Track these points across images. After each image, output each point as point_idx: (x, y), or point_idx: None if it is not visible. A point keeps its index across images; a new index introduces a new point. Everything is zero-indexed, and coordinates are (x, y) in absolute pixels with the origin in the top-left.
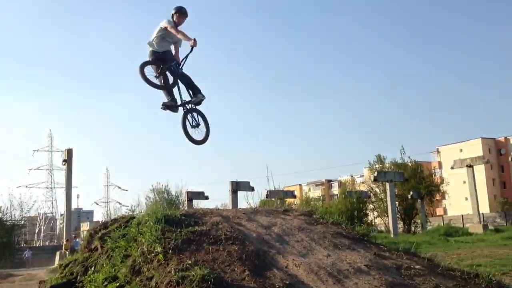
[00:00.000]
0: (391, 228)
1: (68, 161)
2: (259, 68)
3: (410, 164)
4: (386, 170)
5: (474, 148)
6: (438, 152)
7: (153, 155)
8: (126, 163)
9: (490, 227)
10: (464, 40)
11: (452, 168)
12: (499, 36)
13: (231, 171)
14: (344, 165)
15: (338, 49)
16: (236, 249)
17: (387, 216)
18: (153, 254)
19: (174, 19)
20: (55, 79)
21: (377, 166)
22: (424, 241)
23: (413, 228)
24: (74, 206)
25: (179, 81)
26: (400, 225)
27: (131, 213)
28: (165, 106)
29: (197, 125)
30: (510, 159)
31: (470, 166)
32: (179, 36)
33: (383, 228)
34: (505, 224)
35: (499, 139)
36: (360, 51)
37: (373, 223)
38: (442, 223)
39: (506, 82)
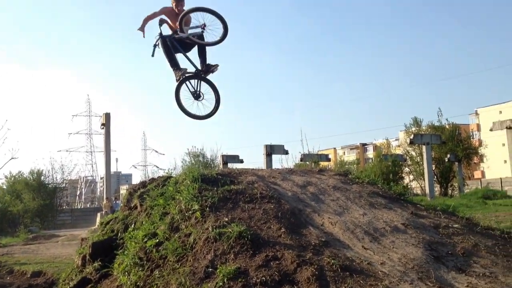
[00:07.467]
0: (427, 191)
1: (106, 124)
2: (296, 32)
3: (447, 126)
4: (423, 132)
5: None
6: (477, 114)
7: (188, 120)
8: (162, 127)
9: None
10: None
11: (491, 130)
12: None
13: (265, 134)
14: (379, 129)
15: (371, 10)
16: (272, 208)
17: (423, 179)
18: (190, 212)
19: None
20: (89, 47)
21: (413, 129)
22: (462, 203)
23: (450, 191)
24: (113, 169)
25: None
26: (437, 188)
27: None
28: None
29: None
30: None
31: (510, 128)
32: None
33: (419, 192)
34: None
35: None
36: (393, 10)
37: (409, 186)
38: (480, 186)
39: None
